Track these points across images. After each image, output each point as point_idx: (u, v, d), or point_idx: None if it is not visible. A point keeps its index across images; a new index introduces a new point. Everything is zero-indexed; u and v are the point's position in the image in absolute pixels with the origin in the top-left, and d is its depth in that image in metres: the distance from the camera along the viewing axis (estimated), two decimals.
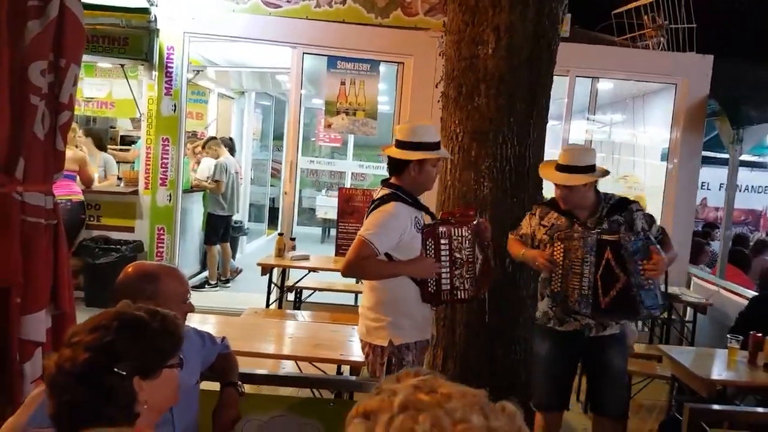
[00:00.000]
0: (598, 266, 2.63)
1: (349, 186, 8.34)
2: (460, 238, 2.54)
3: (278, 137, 8.67)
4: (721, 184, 8.60)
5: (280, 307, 4.91)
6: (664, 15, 5.96)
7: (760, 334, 3.15)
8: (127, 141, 7.46)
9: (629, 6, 6.06)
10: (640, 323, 4.93)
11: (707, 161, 7.85)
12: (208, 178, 6.35)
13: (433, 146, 2.56)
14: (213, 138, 6.71)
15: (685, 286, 5.39)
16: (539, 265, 2.76)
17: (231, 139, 7.15)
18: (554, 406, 2.90)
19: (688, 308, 5.07)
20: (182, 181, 5.64)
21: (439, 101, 3.67)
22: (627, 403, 3.19)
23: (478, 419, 0.70)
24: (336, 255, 5.13)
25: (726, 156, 6.15)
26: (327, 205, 8.59)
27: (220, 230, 6.52)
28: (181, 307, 1.76)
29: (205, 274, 6.54)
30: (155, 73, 5.39)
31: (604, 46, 5.98)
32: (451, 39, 3.51)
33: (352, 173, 8.76)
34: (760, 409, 2.50)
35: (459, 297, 2.58)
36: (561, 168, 2.76)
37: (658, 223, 2.90)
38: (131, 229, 5.58)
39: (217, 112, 8.07)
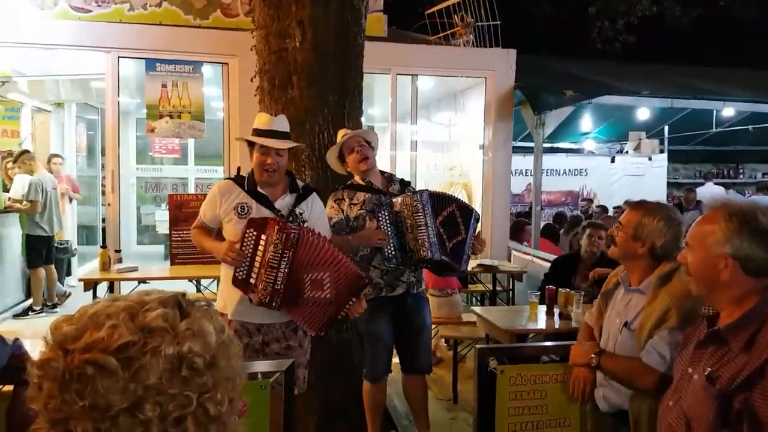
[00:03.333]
0: (436, 216, 2.86)
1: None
2: (274, 239, 2.40)
3: None
4: (543, 170, 9.62)
5: None
6: (471, 14, 6.55)
7: (552, 287, 3.60)
8: None
9: (439, 6, 6.58)
10: (464, 296, 5.38)
11: (530, 151, 8.74)
12: (23, 197, 5.80)
13: (260, 133, 2.59)
14: (26, 152, 6.13)
15: (506, 259, 5.96)
16: (377, 241, 2.81)
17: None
18: (386, 373, 3.06)
19: (510, 278, 5.60)
20: None
21: (255, 95, 3.71)
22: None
23: (172, 311, 0.77)
24: (172, 265, 4.94)
25: (549, 145, 6.85)
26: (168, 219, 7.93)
27: (43, 251, 5.98)
28: None
29: (31, 301, 5.95)
30: None
31: (420, 45, 6.41)
32: (260, 33, 3.58)
33: (196, 180, 8.45)
34: (529, 344, 2.87)
35: (253, 293, 2.44)
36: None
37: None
38: None
39: (33, 126, 7.37)
